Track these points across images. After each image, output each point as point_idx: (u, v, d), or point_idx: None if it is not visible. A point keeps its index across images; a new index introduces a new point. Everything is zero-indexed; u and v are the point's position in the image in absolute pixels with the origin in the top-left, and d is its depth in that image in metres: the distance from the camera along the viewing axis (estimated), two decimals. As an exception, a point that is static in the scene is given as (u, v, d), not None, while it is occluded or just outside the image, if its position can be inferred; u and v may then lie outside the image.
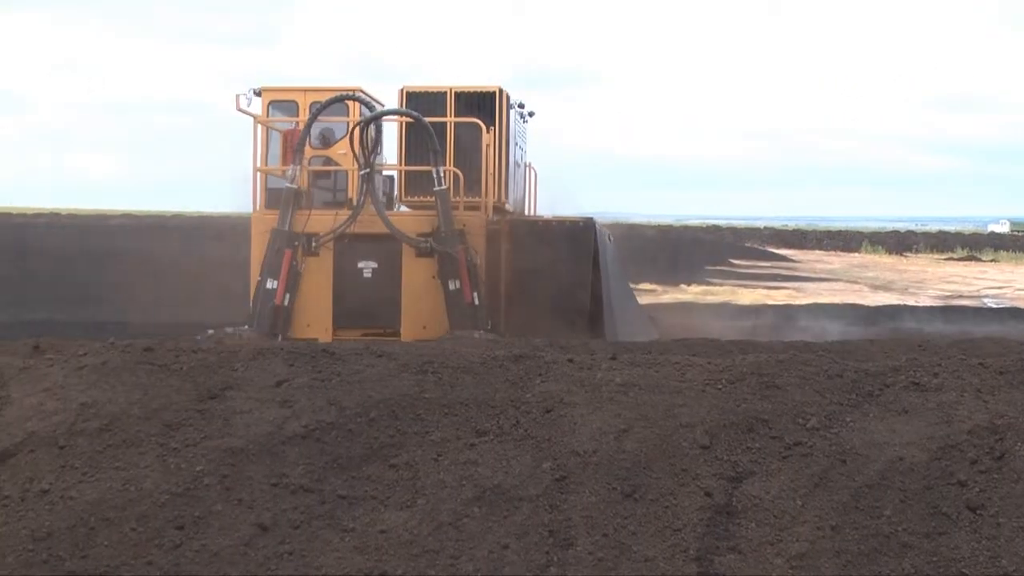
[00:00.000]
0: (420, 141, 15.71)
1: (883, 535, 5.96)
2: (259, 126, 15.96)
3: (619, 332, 15.76)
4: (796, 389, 7.08)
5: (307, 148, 16.08)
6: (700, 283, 38.87)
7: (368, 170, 15.28)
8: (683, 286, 37.27)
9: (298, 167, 15.34)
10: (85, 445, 6.59)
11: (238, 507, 6.22)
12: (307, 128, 15.38)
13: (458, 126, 16.31)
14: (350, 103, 15.91)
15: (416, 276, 15.58)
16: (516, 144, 18.02)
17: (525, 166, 19.40)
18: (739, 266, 53.13)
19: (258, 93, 16.39)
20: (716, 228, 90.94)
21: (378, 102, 16.80)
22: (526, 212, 19.27)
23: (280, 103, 16.66)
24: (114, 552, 5.93)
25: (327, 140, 16.42)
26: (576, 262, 15.61)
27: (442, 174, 15.30)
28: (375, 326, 15.58)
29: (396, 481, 6.43)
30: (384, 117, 15.94)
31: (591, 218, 16.05)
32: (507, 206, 17.24)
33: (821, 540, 5.93)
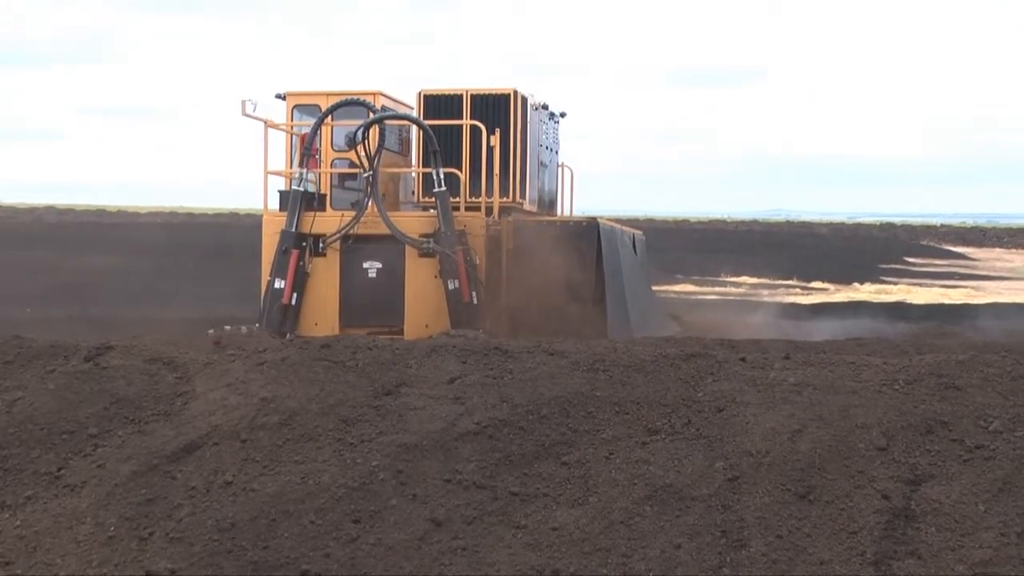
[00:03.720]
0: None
1: (1072, 543, 5.75)
2: (269, 129, 16.56)
3: (633, 333, 15.68)
4: (977, 391, 6.88)
5: (330, 151, 16.75)
6: (874, 282, 37.95)
7: (371, 172, 15.68)
8: (856, 285, 36.45)
9: (305, 169, 15.79)
10: (266, 439, 6.80)
11: (412, 502, 6.33)
12: (313, 131, 16.02)
13: (473, 128, 16.56)
14: (371, 104, 16.29)
15: (419, 276, 16.03)
16: (541, 145, 18.34)
17: (557, 166, 19.66)
18: (914, 264, 51.71)
19: (282, 97, 17.09)
20: (890, 226, 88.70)
21: (405, 104, 17.22)
22: (558, 212, 19.55)
23: (304, 107, 17.24)
24: (294, 544, 6.10)
25: (352, 142, 16.78)
26: (577, 263, 15.76)
27: (442, 175, 15.62)
28: (380, 324, 16.03)
29: (568, 479, 6.46)
30: (389, 121, 16.37)
31: (594, 218, 16.23)
32: (525, 206, 17.45)
33: (1006, 547, 5.75)
